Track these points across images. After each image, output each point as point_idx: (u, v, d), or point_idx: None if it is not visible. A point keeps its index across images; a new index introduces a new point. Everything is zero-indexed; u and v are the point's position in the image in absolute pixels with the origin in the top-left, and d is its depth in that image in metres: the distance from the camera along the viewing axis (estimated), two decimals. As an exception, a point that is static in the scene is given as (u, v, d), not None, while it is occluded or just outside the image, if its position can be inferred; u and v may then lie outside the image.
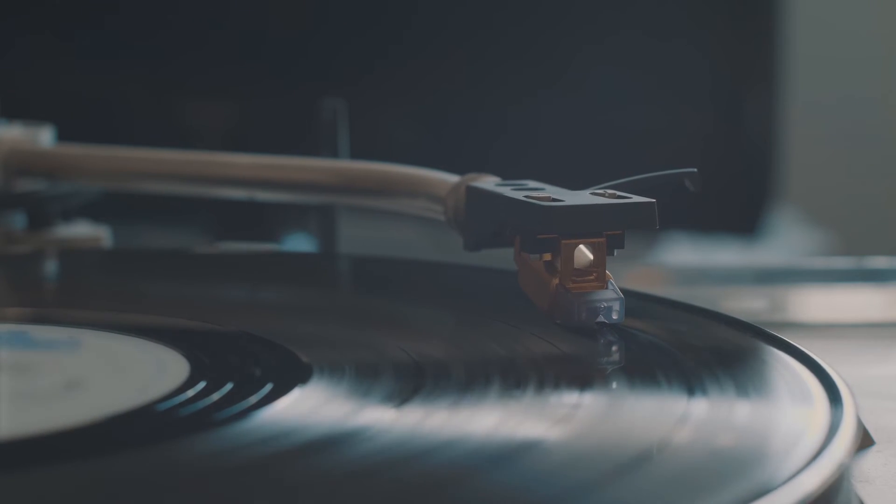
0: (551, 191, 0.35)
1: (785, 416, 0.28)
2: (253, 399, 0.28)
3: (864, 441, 0.32)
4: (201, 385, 0.29)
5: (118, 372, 0.32)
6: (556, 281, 0.33)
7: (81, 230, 0.52)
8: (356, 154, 0.48)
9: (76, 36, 0.83)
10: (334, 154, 0.49)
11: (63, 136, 0.52)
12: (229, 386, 0.29)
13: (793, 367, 0.31)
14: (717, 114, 0.85)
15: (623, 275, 0.37)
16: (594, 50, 0.82)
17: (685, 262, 0.73)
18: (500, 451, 0.26)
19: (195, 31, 0.83)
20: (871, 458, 0.31)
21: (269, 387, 0.29)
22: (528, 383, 0.30)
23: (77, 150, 0.50)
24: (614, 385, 0.30)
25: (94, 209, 0.53)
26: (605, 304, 0.33)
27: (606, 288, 0.33)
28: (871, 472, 0.31)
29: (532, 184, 0.37)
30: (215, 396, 0.29)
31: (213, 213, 0.73)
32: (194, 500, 0.24)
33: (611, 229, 0.33)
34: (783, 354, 0.32)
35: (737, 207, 0.85)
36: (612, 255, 0.34)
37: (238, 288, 0.43)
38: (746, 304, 0.50)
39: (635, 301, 0.35)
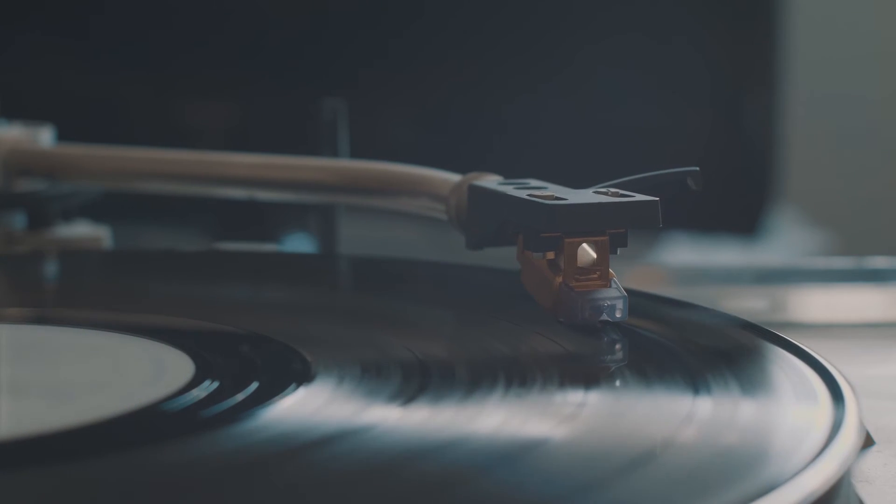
0: (554, 189, 0.35)
1: (788, 415, 0.28)
2: (257, 398, 0.28)
3: (865, 441, 0.32)
4: (205, 385, 0.29)
5: (119, 372, 0.32)
6: (559, 279, 0.33)
7: (81, 230, 0.52)
8: (356, 154, 0.48)
9: (76, 36, 0.83)
10: (334, 154, 0.49)
11: (63, 136, 0.52)
12: (233, 386, 0.29)
13: (796, 366, 0.31)
14: (717, 114, 0.85)
15: (623, 274, 0.37)
16: (594, 49, 0.82)
17: (685, 261, 0.73)
18: (506, 449, 0.26)
19: (195, 31, 0.83)
20: (871, 458, 0.31)
21: (273, 386, 0.29)
22: (533, 382, 0.30)
23: (77, 150, 0.50)
24: (618, 383, 0.30)
25: (94, 209, 0.53)
26: (609, 303, 0.33)
27: (610, 286, 0.33)
28: (871, 472, 0.31)
29: (534, 182, 0.36)
30: (219, 396, 0.29)
31: (213, 213, 0.73)
32: (195, 499, 0.24)
33: (614, 227, 0.33)
34: (786, 353, 0.32)
35: (737, 207, 0.85)
36: (616, 253, 0.34)
37: (239, 288, 0.43)
38: (746, 304, 0.50)
39: (638, 300, 0.35)
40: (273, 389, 0.29)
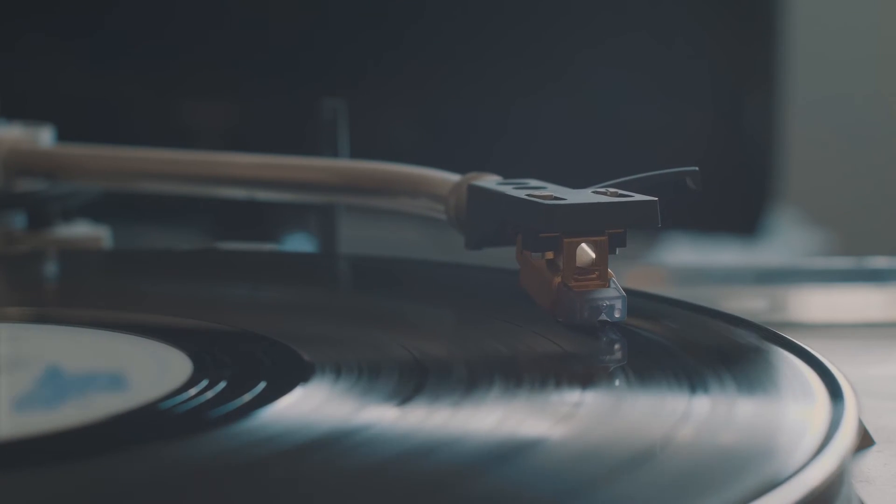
0: (553, 189, 0.35)
1: (787, 414, 0.28)
2: (255, 398, 0.28)
3: (864, 441, 0.32)
4: (203, 384, 0.29)
5: (117, 371, 0.32)
6: (558, 279, 0.33)
7: (81, 230, 0.52)
8: (356, 154, 0.48)
9: (76, 36, 0.83)
10: (334, 154, 0.49)
11: (63, 136, 0.52)
12: (231, 385, 0.29)
13: (794, 365, 0.31)
14: (717, 114, 0.85)
15: (623, 275, 0.37)
16: (594, 49, 0.82)
17: (685, 262, 0.73)
18: (503, 449, 0.26)
19: (195, 31, 0.83)
20: (871, 458, 0.31)
21: (271, 385, 0.29)
22: (531, 381, 0.30)
23: (77, 150, 0.50)
24: (617, 383, 0.30)
25: (94, 209, 0.53)
26: (608, 303, 0.33)
27: (608, 286, 0.33)
28: (871, 472, 0.31)
29: (534, 182, 0.36)
30: (217, 395, 0.29)
31: (213, 213, 0.73)
32: (195, 499, 0.24)
33: (613, 227, 0.33)
34: (784, 352, 0.32)
35: (737, 207, 0.85)
36: (614, 253, 0.34)
37: (238, 287, 0.43)
38: (746, 304, 0.50)
39: (637, 299, 0.35)
40: (271, 389, 0.29)
